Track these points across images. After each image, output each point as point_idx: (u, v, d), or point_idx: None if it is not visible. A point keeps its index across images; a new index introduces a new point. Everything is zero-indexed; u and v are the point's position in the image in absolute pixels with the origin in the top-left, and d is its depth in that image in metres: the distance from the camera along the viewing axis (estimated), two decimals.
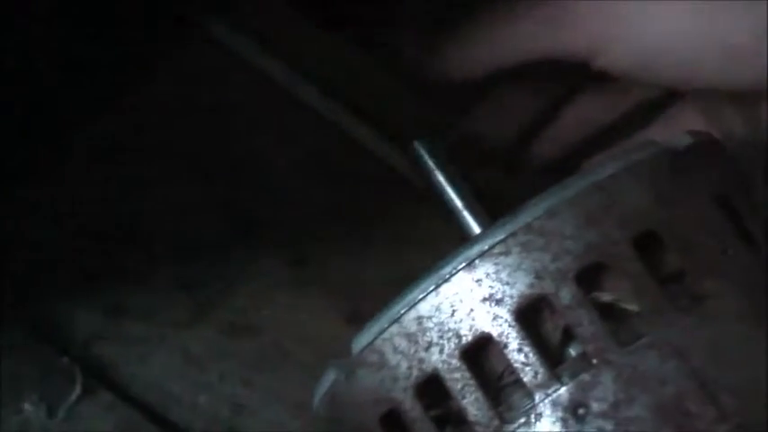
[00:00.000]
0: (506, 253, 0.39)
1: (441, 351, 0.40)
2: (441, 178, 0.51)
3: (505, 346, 0.39)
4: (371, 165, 0.65)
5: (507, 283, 0.39)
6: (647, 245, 0.40)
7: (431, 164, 0.51)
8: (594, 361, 0.38)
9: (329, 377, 0.44)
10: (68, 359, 0.55)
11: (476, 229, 0.48)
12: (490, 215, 0.48)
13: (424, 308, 0.40)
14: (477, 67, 0.54)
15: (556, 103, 0.59)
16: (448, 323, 0.39)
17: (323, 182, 0.64)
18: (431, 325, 0.40)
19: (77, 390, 0.54)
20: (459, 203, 0.49)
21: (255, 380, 0.58)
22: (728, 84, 0.51)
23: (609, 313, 0.39)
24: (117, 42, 0.63)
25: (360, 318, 0.61)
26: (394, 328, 0.40)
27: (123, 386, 0.56)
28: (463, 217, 0.49)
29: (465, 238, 0.49)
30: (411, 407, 0.40)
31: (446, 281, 0.40)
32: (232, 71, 0.66)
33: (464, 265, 0.39)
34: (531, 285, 0.39)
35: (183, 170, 0.62)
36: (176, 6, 0.66)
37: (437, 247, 0.60)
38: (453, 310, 0.39)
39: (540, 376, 0.39)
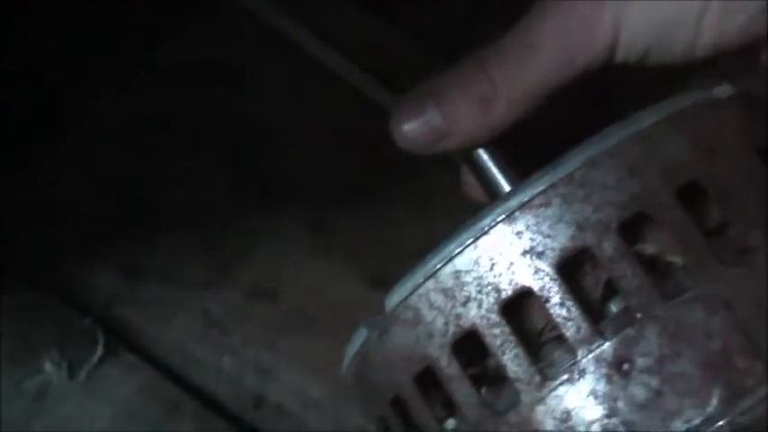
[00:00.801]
0: (547, 204, 0.38)
1: (479, 306, 0.38)
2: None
3: (547, 300, 0.38)
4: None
5: (548, 236, 0.38)
6: (690, 196, 0.39)
7: None
8: (639, 315, 0.37)
9: (361, 336, 0.42)
10: (90, 320, 0.54)
11: (504, 185, 0.47)
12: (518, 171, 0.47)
13: (461, 262, 0.39)
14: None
15: None
16: (487, 277, 0.38)
17: (342, 145, 0.63)
18: (469, 279, 0.39)
19: (99, 350, 0.53)
20: (486, 159, 0.48)
21: (279, 343, 0.57)
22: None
23: (652, 266, 0.38)
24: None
25: (381, 281, 0.60)
26: (430, 284, 0.39)
27: (145, 348, 0.55)
28: (491, 173, 0.48)
29: (493, 196, 0.48)
30: (447, 364, 0.39)
31: (485, 233, 0.38)
32: (250, 35, 0.65)
33: (503, 217, 0.38)
34: (573, 237, 0.38)
35: (201, 135, 0.61)
36: None
37: (459, 209, 0.59)
38: (492, 264, 0.38)
39: (582, 331, 0.37)
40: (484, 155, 0.48)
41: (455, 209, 0.59)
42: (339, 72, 0.67)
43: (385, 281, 0.60)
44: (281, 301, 0.59)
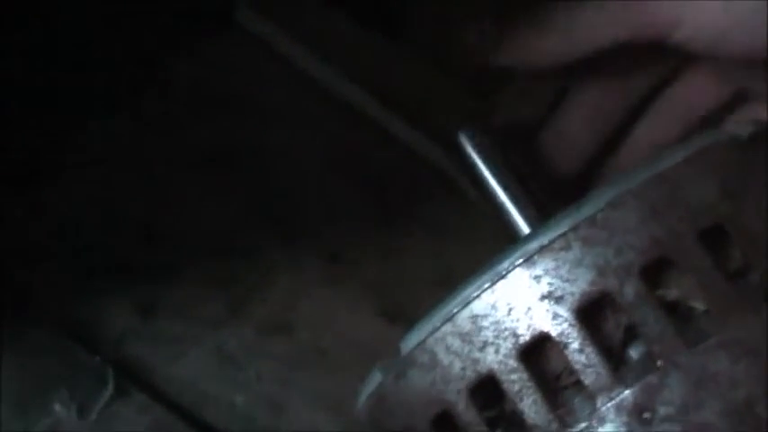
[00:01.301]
0: (567, 248, 0.37)
1: (497, 351, 0.38)
2: (486, 172, 0.49)
3: (566, 346, 0.37)
4: (405, 157, 0.63)
5: (568, 280, 0.37)
6: (713, 239, 0.38)
7: (475, 156, 0.49)
8: (660, 362, 0.36)
9: (376, 378, 0.42)
10: (100, 358, 0.53)
11: (523, 227, 0.47)
12: (540, 211, 0.47)
13: (479, 306, 0.38)
14: (553, 55, 0.51)
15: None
16: (504, 322, 0.38)
17: (357, 175, 0.62)
18: (486, 324, 0.38)
19: (110, 390, 0.52)
20: (505, 199, 0.47)
21: (293, 379, 0.56)
22: None
23: (675, 312, 0.37)
24: (136, 32, 0.62)
25: (398, 315, 0.59)
26: (447, 327, 0.39)
27: (157, 387, 0.54)
28: (510, 213, 0.47)
29: (511, 236, 0.47)
30: (465, 409, 0.39)
31: (503, 277, 0.38)
32: (262, 62, 0.64)
33: (522, 260, 0.37)
34: (593, 282, 0.37)
35: (215, 165, 0.60)
36: None
37: (475, 241, 0.58)
38: (510, 309, 0.38)
39: (602, 378, 0.37)
40: (504, 195, 0.47)
41: (471, 242, 0.59)
42: (345, 96, 0.66)
43: (400, 314, 0.59)
44: (295, 336, 0.58)
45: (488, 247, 0.43)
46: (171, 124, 0.62)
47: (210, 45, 0.65)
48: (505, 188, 0.48)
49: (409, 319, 0.41)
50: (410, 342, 0.40)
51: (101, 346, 0.54)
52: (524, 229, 0.48)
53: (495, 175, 0.49)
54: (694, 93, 0.53)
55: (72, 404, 0.52)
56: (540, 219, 0.48)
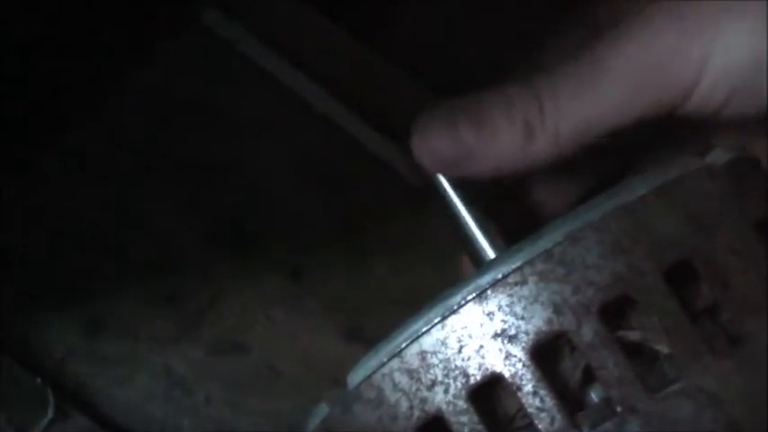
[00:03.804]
0: (522, 283, 0.35)
1: (446, 391, 0.35)
2: (451, 195, 0.46)
3: (519, 388, 0.35)
4: (373, 169, 0.61)
5: (522, 318, 0.35)
6: (679, 275, 0.35)
7: (440, 180, 0.47)
8: (619, 408, 0.34)
9: (322, 410, 0.39)
10: (41, 380, 0.51)
11: (489, 253, 0.44)
12: (507, 238, 0.44)
13: (428, 342, 0.36)
14: (547, 157, 0.41)
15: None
16: (454, 360, 0.35)
17: (321, 187, 0.60)
18: (435, 361, 0.36)
19: (49, 413, 0.50)
20: (471, 224, 0.45)
21: (244, 402, 0.54)
22: None
23: (636, 354, 0.35)
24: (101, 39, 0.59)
25: (359, 334, 0.57)
26: (394, 363, 0.36)
27: (101, 409, 0.52)
28: (475, 239, 0.44)
29: (477, 263, 0.45)
30: None
31: (454, 312, 0.35)
32: (229, 66, 0.62)
33: (474, 295, 0.35)
34: (549, 321, 0.34)
35: (170, 173, 0.58)
36: None
37: (440, 258, 0.56)
38: (461, 346, 0.35)
39: (557, 423, 0.34)
40: (471, 220, 0.45)
41: (437, 261, 0.57)
42: (319, 107, 0.64)
43: (361, 334, 0.57)
44: (249, 356, 0.55)
45: (454, 267, 0.41)
46: (122, 135, 0.59)
47: (177, 48, 0.63)
48: (471, 213, 0.46)
49: (370, 340, 0.40)
50: (357, 376, 0.38)
51: (43, 366, 0.52)
52: (490, 254, 0.46)
53: (462, 199, 0.47)
54: None
55: (9, 428, 0.49)
56: (505, 246, 0.45)
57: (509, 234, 0.45)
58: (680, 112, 0.41)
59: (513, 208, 0.48)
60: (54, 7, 0.59)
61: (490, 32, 0.66)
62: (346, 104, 0.65)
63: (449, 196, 0.45)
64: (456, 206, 0.45)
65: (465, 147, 0.41)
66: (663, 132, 0.46)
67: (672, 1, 0.41)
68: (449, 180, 0.45)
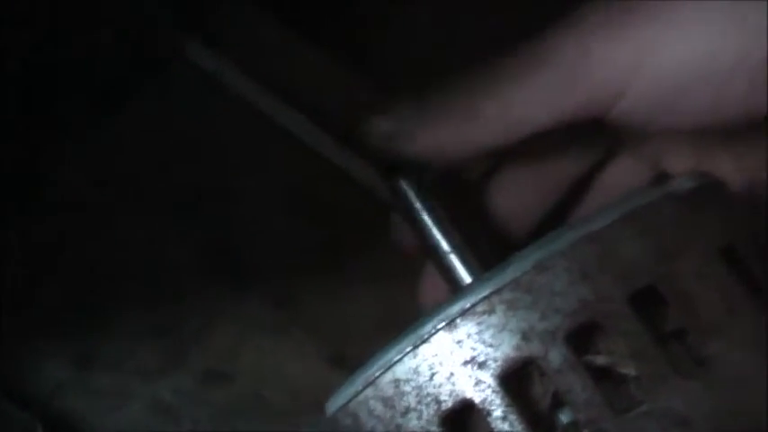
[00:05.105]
0: (490, 311, 0.36)
1: (419, 417, 0.36)
2: (427, 220, 0.47)
3: (488, 413, 0.35)
4: (356, 197, 0.62)
5: (491, 345, 0.36)
6: (645, 299, 0.36)
7: (417, 204, 0.48)
8: (587, 430, 0.35)
9: None
10: (29, 413, 0.52)
11: (464, 277, 0.45)
12: (482, 261, 0.45)
13: (401, 370, 0.37)
14: (480, 144, 0.43)
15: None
16: (426, 387, 0.36)
17: (305, 216, 0.61)
18: (408, 389, 0.36)
19: None
20: (446, 248, 0.46)
21: (230, 431, 0.55)
22: (755, 114, 0.41)
23: (604, 377, 0.36)
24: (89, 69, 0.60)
25: (344, 361, 0.58)
26: (369, 391, 0.37)
27: None
28: (451, 264, 0.45)
29: (452, 287, 0.46)
30: None
31: (425, 341, 0.36)
32: (210, 97, 0.63)
33: (444, 324, 0.36)
34: (518, 347, 0.35)
35: (156, 203, 0.59)
36: (152, 29, 0.64)
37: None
38: (432, 374, 0.36)
39: None
40: (447, 246, 0.46)
41: (414, 289, 0.57)
42: (298, 133, 0.65)
43: (345, 360, 0.58)
44: (235, 385, 0.56)
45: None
46: (108, 164, 0.60)
47: (162, 82, 0.64)
48: (446, 237, 0.47)
49: (354, 366, 0.40)
50: (335, 404, 0.39)
51: (32, 399, 0.53)
52: (467, 280, 0.47)
53: (436, 223, 0.48)
54: (629, 176, 0.48)
55: None
56: (480, 272, 0.46)
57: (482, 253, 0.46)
58: (610, 120, 0.42)
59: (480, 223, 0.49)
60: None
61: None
62: (332, 135, 0.66)
63: (423, 220, 0.46)
64: (434, 234, 0.47)
65: (404, 125, 0.43)
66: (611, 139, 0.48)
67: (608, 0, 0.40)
68: (422, 203, 0.47)
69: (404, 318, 0.41)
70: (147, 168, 0.61)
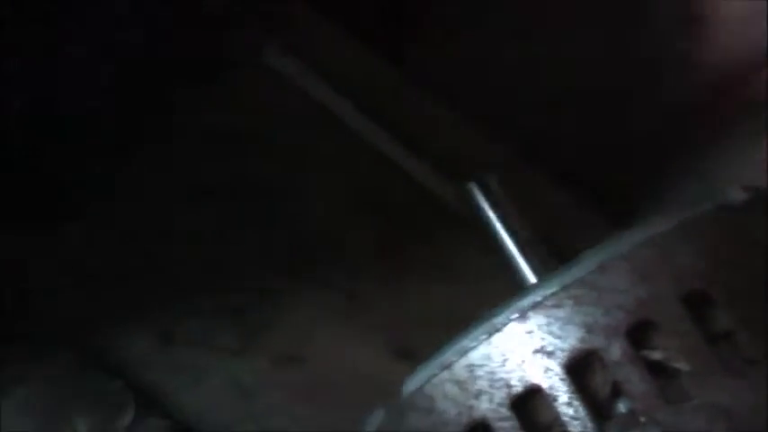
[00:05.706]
0: (558, 306, 0.39)
1: (490, 400, 0.40)
2: (494, 220, 0.51)
3: (555, 398, 0.39)
4: (421, 197, 0.65)
5: (559, 336, 0.39)
6: (699, 300, 0.40)
7: (484, 205, 0.51)
8: (642, 419, 0.38)
9: (378, 417, 0.44)
10: (122, 382, 0.55)
11: (529, 275, 0.49)
12: (544, 261, 0.49)
13: (475, 356, 0.40)
14: None
15: None
16: (499, 372, 0.40)
17: (373, 214, 0.64)
18: (481, 373, 0.40)
19: (130, 414, 0.54)
20: (512, 248, 0.50)
21: (302, 413, 0.58)
22: None
23: (659, 371, 0.39)
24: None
25: (408, 352, 0.61)
26: (445, 375, 0.41)
27: (173, 414, 0.56)
28: (516, 262, 0.49)
29: (518, 283, 0.49)
30: None
31: (498, 330, 0.40)
32: (288, 102, 0.67)
33: (516, 315, 0.40)
34: (582, 339, 0.39)
35: (231, 203, 0.63)
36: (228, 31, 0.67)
37: (483, 284, 0.60)
38: (504, 360, 0.40)
39: (588, 430, 0.39)
40: (511, 244, 0.49)
41: (479, 285, 0.61)
42: (371, 138, 0.68)
43: (410, 351, 0.61)
44: (307, 368, 0.60)
45: (495, 289, 0.45)
46: (185, 168, 0.64)
47: (239, 84, 0.67)
48: (514, 237, 0.50)
49: (418, 357, 0.43)
50: (411, 386, 0.42)
51: (122, 373, 0.56)
52: (530, 277, 0.51)
53: (503, 223, 0.51)
54: None
55: (93, 428, 0.53)
56: (543, 269, 0.50)
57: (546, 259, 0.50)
58: None
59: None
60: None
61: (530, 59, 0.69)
62: (405, 144, 0.69)
63: (495, 227, 0.50)
64: (501, 235, 0.50)
65: None
66: None
67: None
68: (495, 213, 0.51)
69: (460, 312, 0.44)
70: (227, 166, 0.64)
